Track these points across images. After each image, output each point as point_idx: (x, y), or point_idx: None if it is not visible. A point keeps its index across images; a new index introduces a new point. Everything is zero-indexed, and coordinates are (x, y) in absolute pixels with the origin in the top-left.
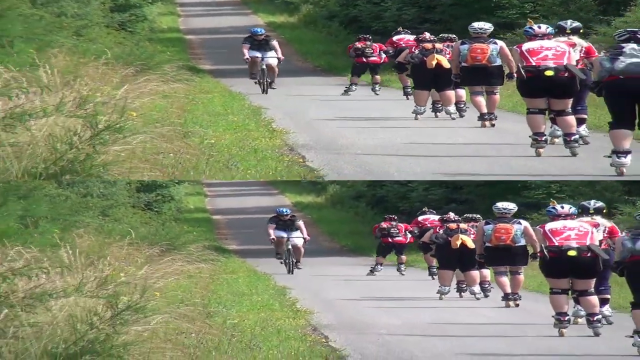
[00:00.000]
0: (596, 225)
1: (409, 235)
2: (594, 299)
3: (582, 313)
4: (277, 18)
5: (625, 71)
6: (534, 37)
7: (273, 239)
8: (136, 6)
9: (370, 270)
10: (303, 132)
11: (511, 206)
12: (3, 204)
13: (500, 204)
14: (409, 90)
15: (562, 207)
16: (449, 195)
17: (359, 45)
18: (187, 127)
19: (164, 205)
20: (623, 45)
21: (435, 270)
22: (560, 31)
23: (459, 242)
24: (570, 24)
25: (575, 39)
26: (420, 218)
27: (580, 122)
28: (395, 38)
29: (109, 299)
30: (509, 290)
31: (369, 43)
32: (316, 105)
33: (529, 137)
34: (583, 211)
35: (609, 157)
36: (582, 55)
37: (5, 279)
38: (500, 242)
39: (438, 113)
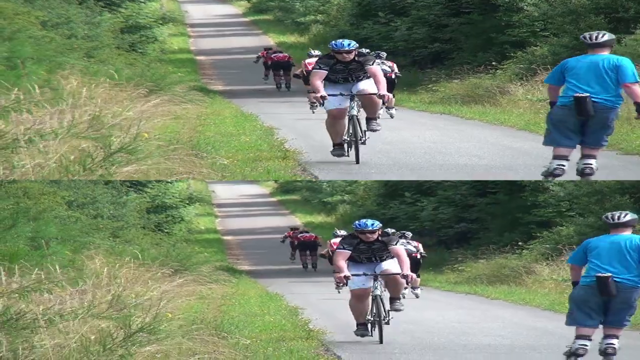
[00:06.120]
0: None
1: None
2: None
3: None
4: (287, 38)
5: None
6: (313, 56)
7: (347, 277)
8: (147, 27)
9: None
10: (316, 153)
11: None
12: (13, 226)
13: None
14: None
15: (341, 232)
16: (458, 214)
17: None
18: (199, 148)
19: (174, 227)
20: None
21: None
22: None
23: None
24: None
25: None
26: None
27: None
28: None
29: (122, 321)
30: None
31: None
32: None
33: None
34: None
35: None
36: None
37: (21, 296)
38: None
39: None
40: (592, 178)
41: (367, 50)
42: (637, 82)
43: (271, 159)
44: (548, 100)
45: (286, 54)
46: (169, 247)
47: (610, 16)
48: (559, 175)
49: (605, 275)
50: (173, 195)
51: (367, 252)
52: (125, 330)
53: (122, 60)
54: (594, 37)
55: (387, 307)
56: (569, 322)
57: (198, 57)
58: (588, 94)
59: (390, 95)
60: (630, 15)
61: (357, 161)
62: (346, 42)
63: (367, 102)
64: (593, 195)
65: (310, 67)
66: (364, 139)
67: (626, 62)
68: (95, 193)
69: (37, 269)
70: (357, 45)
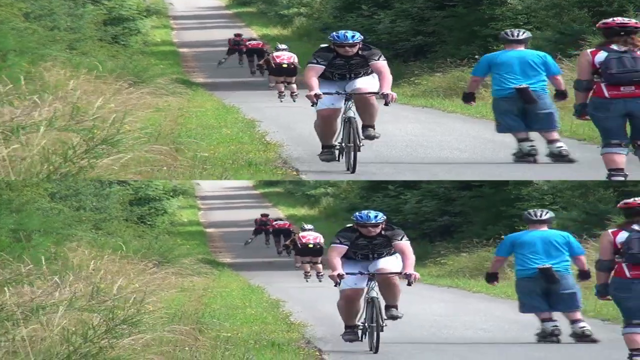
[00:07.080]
0: None
1: None
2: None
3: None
4: (270, 30)
5: None
6: (280, 50)
7: (340, 275)
8: (129, 19)
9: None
10: (297, 145)
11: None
12: None
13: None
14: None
15: (308, 226)
16: (442, 207)
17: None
18: (180, 140)
19: (157, 219)
20: None
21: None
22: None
23: None
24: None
25: None
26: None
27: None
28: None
29: (104, 313)
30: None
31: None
32: (310, 117)
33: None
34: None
35: None
36: None
37: (3, 288)
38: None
39: None
40: (577, 174)
41: None
42: (560, 73)
43: (252, 152)
44: (467, 91)
45: (260, 42)
46: (151, 240)
47: (594, 10)
48: (535, 155)
49: (546, 266)
50: (156, 187)
51: (366, 249)
52: (108, 322)
53: (104, 52)
54: (517, 34)
55: (384, 312)
56: (525, 310)
57: (181, 50)
58: (527, 85)
59: (395, 95)
60: (614, 9)
61: (353, 170)
62: (350, 33)
63: (363, 105)
64: (577, 188)
65: (277, 60)
66: (360, 145)
67: (550, 57)
68: (78, 185)
69: (19, 261)
70: (362, 37)
